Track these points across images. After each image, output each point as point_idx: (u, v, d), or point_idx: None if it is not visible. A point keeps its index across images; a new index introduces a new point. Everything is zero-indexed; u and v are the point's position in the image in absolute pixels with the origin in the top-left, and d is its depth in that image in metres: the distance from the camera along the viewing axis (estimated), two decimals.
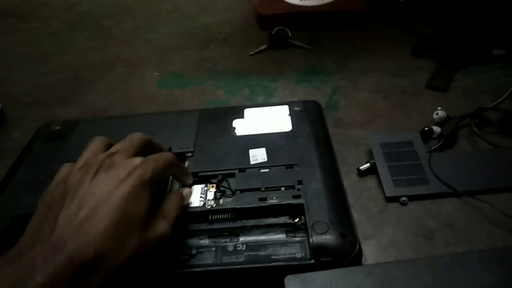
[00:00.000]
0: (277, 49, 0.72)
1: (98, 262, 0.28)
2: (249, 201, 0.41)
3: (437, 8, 0.72)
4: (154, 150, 0.39)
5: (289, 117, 0.51)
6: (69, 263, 0.27)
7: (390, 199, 0.44)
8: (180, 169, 0.41)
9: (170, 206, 0.36)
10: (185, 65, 0.71)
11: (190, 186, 0.42)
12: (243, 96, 0.62)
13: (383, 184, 0.45)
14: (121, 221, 0.30)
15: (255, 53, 0.71)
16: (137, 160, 0.34)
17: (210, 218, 0.40)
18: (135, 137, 0.38)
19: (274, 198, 0.41)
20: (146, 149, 0.38)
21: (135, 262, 0.31)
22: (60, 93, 0.67)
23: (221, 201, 0.42)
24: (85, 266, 0.28)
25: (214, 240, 0.38)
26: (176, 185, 0.42)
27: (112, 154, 0.34)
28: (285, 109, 0.53)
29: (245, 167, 0.45)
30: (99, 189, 0.31)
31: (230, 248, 0.38)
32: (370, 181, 0.47)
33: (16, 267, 0.27)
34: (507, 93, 0.55)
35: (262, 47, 0.72)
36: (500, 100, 0.54)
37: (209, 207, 0.41)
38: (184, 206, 0.39)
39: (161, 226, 0.33)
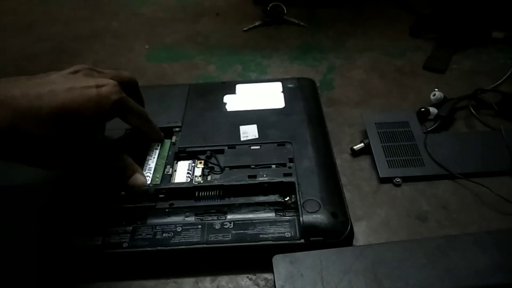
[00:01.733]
0: (272, 25, 0.69)
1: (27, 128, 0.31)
2: (238, 178, 0.39)
3: None
4: (134, 95, 0.40)
5: (282, 94, 0.50)
6: (11, 111, 0.30)
7: (383, 180, 0.43)
8: (148, 124, 0.42)
9: (120, 157, 0.39)
10: (176, 39, 0.68)
11: (160, 141, 0.43)
12: (235, 72, 0.60)
13: (377, 165, 0.43)
14: (67, 112, 0.32)
15: (249, 29, 0.69)
16: (112, 83, 0.35)
17: (197, 194, 0.39)
18: (125, 73, 0.39)
19: (264, 175, 0.40)
20: (129, 88, 0.39)
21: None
22: (44, 64, 0.64)
23: (209, 177, 0.40)
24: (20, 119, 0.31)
25: (201, 217, 0.37)
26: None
27: (95, 69, 0.37)
28: (278, 85, 0.51)
29: (235, 143, 0.43)
30: (68, 81, 0.34)
31: (217, 226, 0.36)
32: (364, 161, 0.45)
33: None
34: (506, 76, 0.53)
35: (256, 23, 0.69)
36: (498, 82, 0.53)
37: (196, 183, 0.39)
38: (129, 183, 0.39)
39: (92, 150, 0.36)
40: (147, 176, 0.40)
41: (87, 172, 0.39)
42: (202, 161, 0.42)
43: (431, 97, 0.50)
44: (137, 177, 0.39)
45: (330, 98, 0.54)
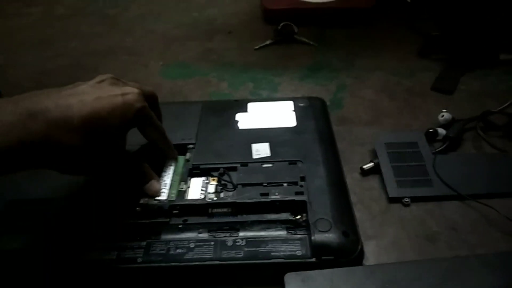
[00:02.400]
0: (283, 44, 0.71)
1: (62, 140, 0.33)
2: (251, 196, 0.40)
3: (444, 9, 0.72)
4: (154, 109, 0.41)
5: (293, 113, 0.51)
6: (44, 123, 0.32)
7: (392, 200, 0.43)
8: (165, 140, 0.43)
9: (139, 163, 0.40)
10: (190, 56, 0.70)
11: (174, 159, 0.44)
12: (246, 90, 0.62)
13: (386, 185, 0.44)
14: (95, 119, 0.34)
15: (260, 47, 0.70)
16: (137, 91, 0.37)
17: (210, 211, 0.40)
18: (148, 87, 0.41)
19: (276, 193, 0.40)
20: (150, 101, 0.40)
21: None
22: (62, 79, 0.65)
23: (221, 194, 0.41)
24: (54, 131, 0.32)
25: (214, 234, 0.38)
26: None
27: (120, 79, 0.39)
28: (289, 104, 0.52)
29: (248, 161, 0.44)
30: (95, 90, 0.35)
31: (230, 243, 0.37)
32: (373, 181, 0.46)
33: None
34: None
35: (268, 42, 0.71)
36: (506, 104, 0.54)
37: (209, 200, 0.40)
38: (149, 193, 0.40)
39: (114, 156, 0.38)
40: (163, 192, 0.41)
41: (110, 179, 0.41)
42: (215, 178, 0.43)
43: (439, 118, 0.51)
44: (153, 184, 0.40)
45: (340, 117, 0.55)
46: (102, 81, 0.38)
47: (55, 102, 0.33)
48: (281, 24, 0.72)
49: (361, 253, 0.36)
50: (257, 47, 0.70)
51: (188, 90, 0.62)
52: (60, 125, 0.32)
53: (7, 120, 0.31)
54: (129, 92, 0.37)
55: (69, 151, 0.34)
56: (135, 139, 0.41)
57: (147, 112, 0.38)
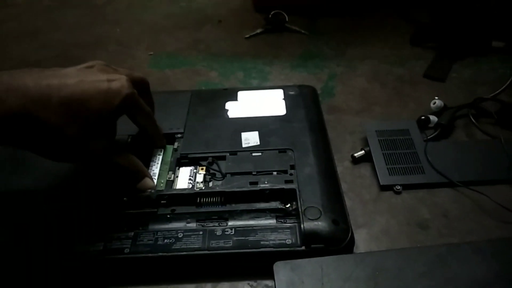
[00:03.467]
0: (273, 33, 0.70)
1: (40, 118, 0.32)
2: (240, 184, 0.40)
3: None
4: (145, 96, 0.40)
5: (283, 101, 0.50)
6: (22, 97, 0.31)
7: (384, 188, 0.43)
8: (154, 127, 0.42)
9: (133, 161, 0.39)
10: (178, 46, 0.69)
11: (162, 147, 0.44)
12: (237, 79, 0.61)
13: (377, 172, 0.44)
14: (76, 104, 0.33)
15: (251, 36, 0.69)
16: (125, 78, 0.36)
17: (198, 201, 0.39)
18: (137, 73, 0.40)
19: (266, 182, 0.40)
20: (140, 88, 0.39)
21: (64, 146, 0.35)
22: None
23: (210, 184, 0.41)
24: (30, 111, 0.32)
25: (202, 223, 0.37)
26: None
27: (110, 66, 0.38)
28: (279, 93, 0.51)
29: (237, 150, 0.44)
30: (82, 74, 0.35)
31: (218, 233, 0.36)
32: (364, 169, 0.46)
33: None
34: (505, 85, 0.54)
35: (258, 31, 0.70)
36: (498, 91, 0.53)
37: (197, 189, 0.40)
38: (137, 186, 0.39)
39: (101, 148, 0.37)
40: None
41: (97, 167, 0.40)
42: (204, 167, 0.42)
43: (431, 105, 0.50)
44: (147, 181, 0.39)
45: (331, 106, 0.54)
46: (91, 66, 0.37)
47: (35, 81, 0.32)
48: (271, 13, 0.71)
49: (351, 241, 0.36)
50: (247, 36, 0.69)
51: (177, 80, 0.61)
52: (37, 102, 0.32)
53: None
54: (116, 79, 0.36)
55: (46, 129, 0.33)
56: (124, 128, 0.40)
57: (135, 99, 0.37)
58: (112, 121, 0.38)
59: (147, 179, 0.39)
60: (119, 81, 0.36)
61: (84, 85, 0.34)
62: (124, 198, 0.39)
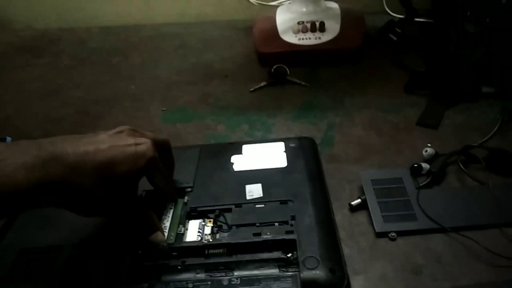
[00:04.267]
0: (276, 85, 0.75)
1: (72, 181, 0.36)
2: (244, 236, 0.43)
3: (428, 46, 0.76)
4: (167, 156, 0.46)
5: (284, 153, 0.54)
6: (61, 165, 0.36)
7: (379, 235, 0.46)
8: (169, 188, 0.46)
9: (150, 215, 0.43)
10: (189, 100, 0.74)
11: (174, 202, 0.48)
12: (242, 132, 0.65)
13: (373, 220, 0.47)
14: (107, 167, 0.38)
15: (255, 89, 0.74)
16: (150, 142, 0.41)
17: (206, 252, 0.42)
18: (161, 136, 0.46)
19: (268, 233, 0.43)
20: (163, 149, 0.45)
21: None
22: (69, 127, 0.70)
23: (217, 235, 0.44)
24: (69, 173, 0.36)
25: (210, 274, 0.40)
26: None
27: (137, 130, 0.43)
28: (281, 145, 0.55)
29: (242, 202, 0.47)
30: (111, 140, 0.39)
31: (225, 282, 0.39)
32: (361, 216, 0.49)
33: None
34: (493, 131, 0.57)
35: (262, 84, 0.75)
36: (487, 137, 0.57)
37: (205, 241, 0.43)
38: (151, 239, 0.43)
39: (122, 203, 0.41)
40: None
41: (118, 221, 0.44)
42: (212, 220, 0.46)
43: (424, 153, 0.54)
44: (158, 235, 0.43)
45: (330, 155, 0.58)
46: (121, 131, 0.42)
47: (74, 148, 0.37)
48: (274, 67, 0.76)
49: None
50: (252, 89, 0.74)
51: (187, 134, 0.66)
52: (75, 169, 0.37)
53: (31, 161, 0.35)
54: (142, 143, 0.41)
55: (81, 192, 0.37)
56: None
57: (156, 162, 0.42)
58: (136, 181, 0.42)
59: (158, 233, 0.43)
60: (145, 145, 0.41)
61: (115, 150, 0.39)
62: (139, 251, 0.42)
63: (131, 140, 0.40)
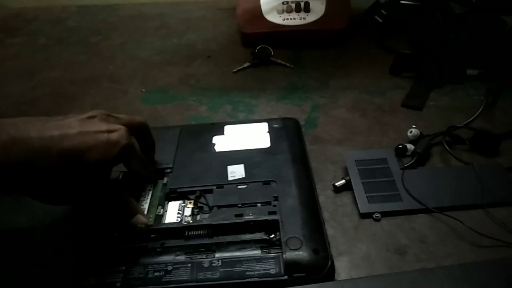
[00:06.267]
0: (260, 66, 0.73)
1: (40, 169, 0.34)
2: (226, 217, 0.42)
3: (414, 28, 0.75)
4: (147, 138, 0.44)
5: (268, 134, 0.53)
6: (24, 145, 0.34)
7: (364, 215, 0.45)
8: (146, 171, 0.44)
9: (126, 199, 0.42)
10: (170, 81, 0.72)
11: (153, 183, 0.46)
12: (225, 113, 0.63)
13: (357, 200, 0.46)
14: (77, 155, 0.36)
15: (238, 70, 0.72)
16: (123, 128, 0.39)
17: (186, 234, 0.41)
18: (138, 118, 0.44)
19: (250, 214, 0.42)
20: (141, 132, 0.43)
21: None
22: (44, 108, 0.67)
23: (198, 217, 0.43)
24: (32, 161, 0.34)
25: (190, 256, 0.39)
26: None
27: (112, 114, 0.40)
28: (264, 126, 0.54)
29: (223, 183, 0.46)
30: (81, 125, 0.37)
31: (206, 264, 0.38)
32: (346, 197, 0.48)
33: None
34: (477, 112, 0.57)
35: (245, 65, 0.73)
36: (471, 118, 0.56)
37: (185, 223, 0.42)
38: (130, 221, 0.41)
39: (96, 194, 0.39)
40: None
41: (91, 210, 0.42)
42: (192, 201, 0.44)
43: (408, 134, 0.53)
44: (139, 218, 0.41)
45: (314, 136, 0.57)
46: (94, 116, 0.39)
47: (39, 132, 0.35)
48: (257, 47, 0.74)
49: (332, 269, 0.38)
50: (235, 70, 0.73)
51: (168, 115, 0.64)
52: (39, 154, 0.34)
53: None
54: (115, 129, 0.38)
55: (44, 178, 0.35)
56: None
57: (132, 149, 0.40)
58: (109, 169, 0.41)
59: (139, 216, 0.41)
60: (118, 132, 0.38)
61: (84, 136, 0.36)
62: (115, 234, 0.41)
63: (103, 127, 0.38)
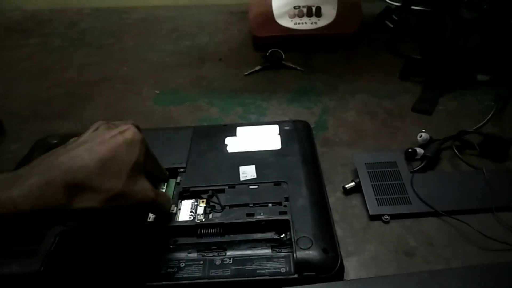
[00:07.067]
0: (271, 69, 0.74)
1: (85, 185, 0.34)
2: (237, 216, 0.43)
3: (424, 34, 0.76)
4: None
5: (279, 136, 0.53)
6: (63, 177, 0.33)
7: (373, 217, 0.46)
8: (159, 168, 0.45)
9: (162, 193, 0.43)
10: (182, 83, 0.73)
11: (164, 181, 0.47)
12: (236, 114, 0.64)
13: (367, 203, 0.47)
14: (109, 161, 0.35)
15: (249, 73, 0.73)
16: (132, 126, 0.39)
17: (199, 232, 0.42)
18: (130, 121, 0.42)
19: (262, 214, 0.43)
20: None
21: (115, 203, 0.35)
22: (58, 108, 0.69)
23: (210, 216, 0.43)
24: (75, 184, 0.33)
25: (203, 253, 0.40)
26: None
27: (110, 122, 0.40)
28: (275, 128, 0.55)
29: (235, 183, 0.47)
30: (96, 137, 0.37)
31: (218, 262, 0.39)
32: (355, 199, 0.48)
33: (16, 172, 0.33)
34: (488, 117, 0.57)
35: (257, 68, 0.74)
36: (481, 123, 0.57)
37: (198, 221, 0.42)
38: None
39: (147, 188, 0.38)
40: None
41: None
42: (204, 200, 0.45)
43: (418, 138, 0.54)
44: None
45: (324, 138, 0.58)
46: (97, 128, 0.39)
47: (67, 158, 0.34)
48: (269, 51, 0.75)
49: (341, 269, 0.38)
50: (246, 73, 0.74)
51: (180, 116, 0.65)
52: (76, 178, 0.33)
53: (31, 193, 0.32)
54: (126, 129, 0.38)
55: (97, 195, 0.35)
56: None
57: (146, 144, 0.40)
58: (140, 166, 0.39)
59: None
60: (129, 131, 0.38)
61: (106, 144, 0.36)
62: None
63: (113, 131, 0.38)
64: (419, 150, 0.52)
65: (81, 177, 0.33)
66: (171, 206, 0.43)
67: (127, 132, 0.38)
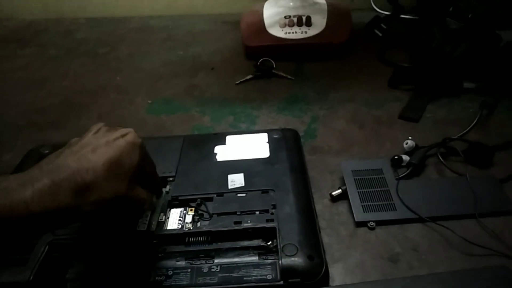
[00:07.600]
0: (262, 78, 0.75)
1: (93, 186, 0.34)
2: (225, 224, 0.43)
3: (412, 42, 0.77)
4: None
5: (267, 144, 0.54)
6: (72, 178, 0.34)
7: (359, 224, 0.47)
8: (157, 176, 0.45)
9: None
10: (175, 92, 0.74)
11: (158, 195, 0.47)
12: (227, 123, 0.65)
13: (353, 209, 0.47)
14: (115, 163, 0.36)
15: (241, 82, 0.75)
16: (132, 130, 0.40)
17: (187, 240, 0.42)
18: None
19: (249, 221, 0.44)
20: None
21: (118, 204, 0.36)
22: (53, 117, 0.70)
23: (198, 224, 0.44)
24: (83, 186, 0.34)
25: (190, 261, 0.41)
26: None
27: (109, 125, 0.41)
28: (264, 136, 0.56)
29: (223, 191, 0.48)
30: (99, 139, 0.38)
31: (205, 270, 0.40)
32: (342, 206, 0.49)
33: (26, 174, 0.34)
34: (472, 124, 0.58)
35: (248, 77, 0.75)
36: (465, 130, 0.58)
37: (186, 229, 0.43)
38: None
39: (143, 194, 0.39)
40: (144, 223, 0.44)
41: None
42: (193, 209, 0.46)
43: (404, 145, 0.55)
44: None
45: (313, 147, 0.59)
46: (98, 130, 0.40)
47: (75, 160, 0.35)
48: (260, 60, 0.76)
49: (326, 275, 0.39)
50: (238, 82, 0.75)
51: (173, 125, 0.66)
52: (89, 173, 0.34)
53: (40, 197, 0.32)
54: (127, 132, 0.39)
55: (102, 197, 0.35)
56: None
57: (145, 148, 0.41)
58: (139, 170, 0.39)
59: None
60: (130, 134, 0.39)
61: (111, 145, 0.37)
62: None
63: (115, 134, 0.39)
64: (405, 157, 0.53)
65: (89, 179, 0.34)
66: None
67: (128, 135, 0.39)
